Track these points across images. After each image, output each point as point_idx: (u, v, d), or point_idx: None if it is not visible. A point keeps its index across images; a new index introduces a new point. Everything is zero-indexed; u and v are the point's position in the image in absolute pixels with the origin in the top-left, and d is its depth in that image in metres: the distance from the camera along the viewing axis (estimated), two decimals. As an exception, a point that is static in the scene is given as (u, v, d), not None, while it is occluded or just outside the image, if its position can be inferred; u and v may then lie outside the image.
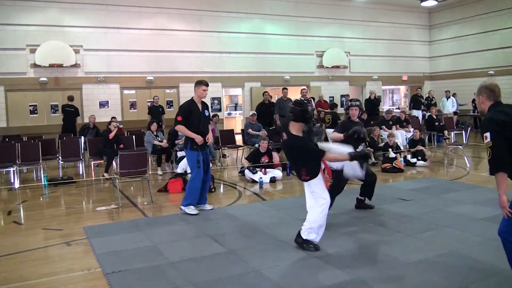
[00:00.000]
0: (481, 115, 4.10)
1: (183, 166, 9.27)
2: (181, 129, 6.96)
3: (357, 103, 6.99)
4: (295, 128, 5.10)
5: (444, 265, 4.68)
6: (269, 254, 5.11)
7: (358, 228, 6.04)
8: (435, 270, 4.55)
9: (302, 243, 5.21)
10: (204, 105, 7.19)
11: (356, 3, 20.61)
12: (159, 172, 10.99)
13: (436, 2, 20.76)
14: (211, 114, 14.64)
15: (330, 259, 4.88)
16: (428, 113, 16.06)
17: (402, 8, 22.32)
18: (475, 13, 21.30)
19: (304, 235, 5.20)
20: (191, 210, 6.97)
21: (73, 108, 14.57)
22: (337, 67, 20.68)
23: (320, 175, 5.17)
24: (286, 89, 14.38)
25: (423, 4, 20.97)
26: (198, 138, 6.89)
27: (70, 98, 14.62)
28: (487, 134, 3.68)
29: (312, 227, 5.16)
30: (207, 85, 7.13)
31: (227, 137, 13.26)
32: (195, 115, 6.97)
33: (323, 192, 5.18)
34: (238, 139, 13.99)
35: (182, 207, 7.04)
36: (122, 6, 16.31)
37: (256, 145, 11.15)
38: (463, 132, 15.04)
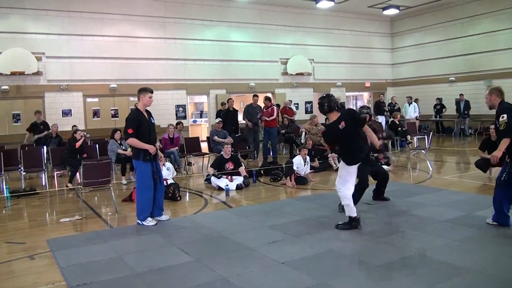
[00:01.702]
0: (490, 108, 6.12)
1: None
2: (134, 142, 6.74)
3: (368, 110, 7.27)
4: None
5: (410, 267, 4.79)
6: (236, 261, 5.11)
7: (324, 233, 6.10)
8: (400, 272, 4.65)
9: None
10: (149, 113, 7.01)
11: (319, 11, 20.89)
12: (124, 181, 10.86)
13: (397, 11, 21.30)
14: (176, 121, 14.73)
15: (297, 265, 4.92)
16: (391, 119, 16.37)
17: (365, 16, 22.76)
18: (436, 21, 21.92)
19: None
20: (149, 221, 6.86)
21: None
22: (301, 74, 20.91)
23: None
24: (257, 96, 14.44)
25: (385, 12, 21.49)
26: (152, 149, 6.76)
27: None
28: (505, 115, 5.66)
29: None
30: (152, 92, 6.97)
31: (192, 145, 13.20)
32: (144, 124, 6.80)
33: None
34: (204, 146, 13.95)
35: (140, 222, 6.87)
36: (85, 12, 16.09)
37: (222, 152, 11.12)
38: (426, 136, 15.39)
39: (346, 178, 6.15)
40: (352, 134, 6.02)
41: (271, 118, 13.41)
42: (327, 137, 6.37)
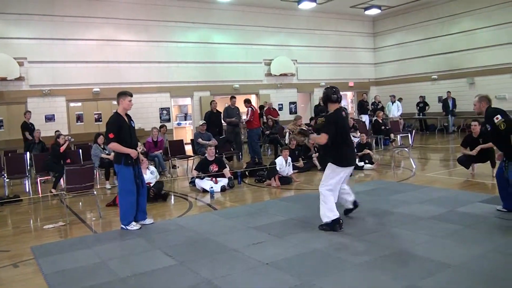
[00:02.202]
0: (478, 114, 6.83)
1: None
2: (116, 146, 6.72)
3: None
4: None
5: (393, 264, 4.85)
6: (220, 263, 5.13)
7: (308, 233, 6.14)
8: (384, 269, 4.71)
9: None
10: (129, 116, 7.01)
11: (301, 12, 20.97)
12: (108, 186, 10.81)
13: (379, 11, 21.48)
14: (160, 124, 14.71)
15: (280, 265, 4.95)
16: (375, 118, 16.51)
17: (347, 16, 22.91)
18: (417, 20, 22.16)
19: None
20: (133, 226, 6.84)
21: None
22: (285, 74, 20.98)
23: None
24: (235, 97, 14.47)
25: (367, 12, 21.67)
26: (134, 153, 6.76)
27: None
28: (499, 116, 6.18)
29: None
30: (131, 95, 6.98)
31: (176, 148, 13.21)
32: (125, 128, 6.80)
33: None
34: (188, 149, 13.95)
35: (124, 227, 6.85)
36: (67, 17, 15.98)
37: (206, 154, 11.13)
38: (409, 134, 15.56)
39: (329, 179, 6.20)
40: (348, 132, 6.40)
41: (247, 120, 13.58)
42: (328, 129, 6.15)
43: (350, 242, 5.69)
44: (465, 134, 11.90)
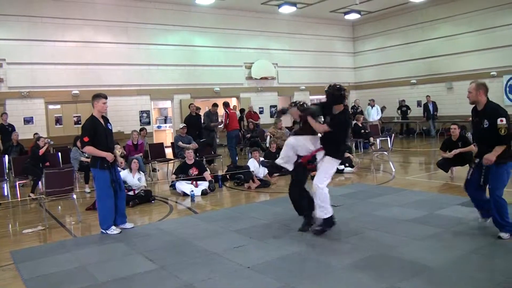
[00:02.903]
0: (472, 103, 5.75)
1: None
2: (91, 150, 6.65)
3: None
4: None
5: (373, 266, 4.91)
6: (201, 267, 5.14)
7: (288, 236, 6.18)
8: (364, 272, 4.76)
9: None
10: (105, 119, 6.94)
11: (281, 16, 21.08)
12: (87, 189, 10.67)
13: (359, 16, 21.69)
14: (140, 127, 14.63)
15: (262, 269, 4.98)
16: (354, 121, 16.63)
17: (326, 21, 23.10)
18: (397, 25, 22.46)
19: None
20: (113, 230, 6.79)
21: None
22: (266, 78, 21.06)
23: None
24: (217, 105, 14.51)
25: (347, 17, 21.88)
26: (109, 156, 6.67)
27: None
28: (503, 118, 5.41)
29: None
30: (106, 97, 6.89)
31: (156, 151, 13.15)
32: (100, 132, 6.71)
33: None
34: (169, 152, 13.90)
35: (103, 231, 6.80)
36: (46, 17, 15.80)
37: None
38: (388, 138, 15.72)
39: (329, 174, 6.17)
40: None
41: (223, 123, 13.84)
42: (340, 129, 6.08)
43: (331, 245, 5.73)
44: (444, 138, 12.08)
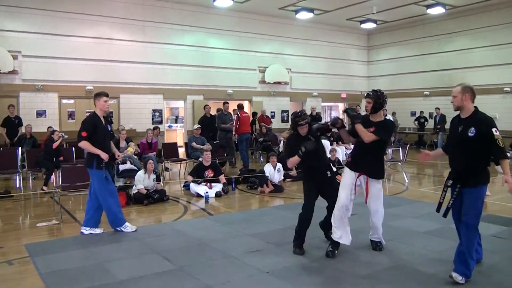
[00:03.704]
0: (456, 109, 4.91)
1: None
2: (86, 145, 6.46)
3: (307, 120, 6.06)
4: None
5: (393, 278, 4.85)
6: (219, 270, 5.10)
7: (306, 243, 6.12)
8: (384, 283, 4.71)
9: None
10: (107, 120, 6.80)
11: (298, 22, 21.03)
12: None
13: (375, 25, 21.63)
14: (153, 126, 14.63)
15: (280, 274, 4.94)
16: (367, 130, 16.54)
17: (342, 28, 23.04)
18: (412, 36, 22.38)
19: None
20: (129, 228, 6.75)
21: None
22: (279, 83, 21.00)
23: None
24: (227, 103, 14.40)
25: (363, 26, 21.81)
26: (104, 155, 6.48)
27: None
28: (495, 129, 4.58)
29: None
30: (107, 96, 6.75)
31: (170, 150, 13.13)
32: (100, 130, 6.57)
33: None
34: (181, 152, 13.88)
35: (118, 228, 6.74)
36: (63, 12, 15.75)
37: (200, 159, 11.08)
38: (400, 148, 15.62)
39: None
40: None
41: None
42: (387, 136, 5.66)
43: (350, 254, 5.66)
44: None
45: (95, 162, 6.49)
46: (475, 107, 4.81)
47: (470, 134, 4.64)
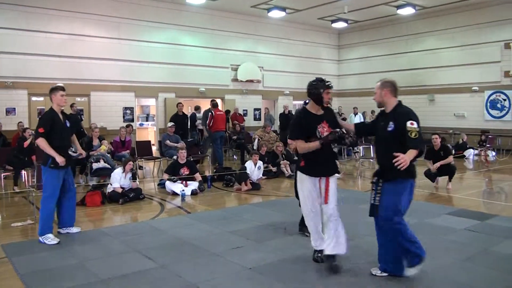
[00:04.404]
0: (378, 106, 4.88)
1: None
2: (42, 144, 6.08)
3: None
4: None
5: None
6: (203, 267, 5.11)
7: (285, 239, 6.19)
8: (366, 277, 4.80)
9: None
10: (65, 115, 6.49)
11: (270, 20, 21.09)
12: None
13: (346, 24, 21.89)
14: (125, 124, 14.50)
15: (264, 270, 4.99)
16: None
17: (314, 27, 23.23)
18: (382, 36, 22.77)
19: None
20: (50, 239, 6.07)
21: None
22: (251, 81, 21.03)
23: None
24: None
25: (334, 25, 22.05)
26: (60, 159, 6.09)
27: None
28: (414, 122, 4.50)
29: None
30: (64, 89, 6.43)
31: (143, 148, 13.03)
32: (58, 126, 6.23)
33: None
34: (153, 150, 13.79)
35: (40, 238, 6.11)
36: (36, 8, 15.33)
37: (174, 157, 11.04)
38: (371, 146, 15.88)
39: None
40: None
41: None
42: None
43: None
44: (424, 149, 12.13)
45: (51, 160, 6.15)
46: (399, 101, 4.78)
47: (389, 129, 4.64)
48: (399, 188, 4.65)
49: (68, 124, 6.43)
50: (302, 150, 5.07)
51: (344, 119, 19.16)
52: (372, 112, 20.94)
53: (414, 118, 4.56)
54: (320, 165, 5.10)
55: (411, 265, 4.67)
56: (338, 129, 4.98)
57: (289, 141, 5.73)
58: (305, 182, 5.13)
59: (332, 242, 5.04)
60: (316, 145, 4.93)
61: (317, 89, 5.16)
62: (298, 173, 5.27)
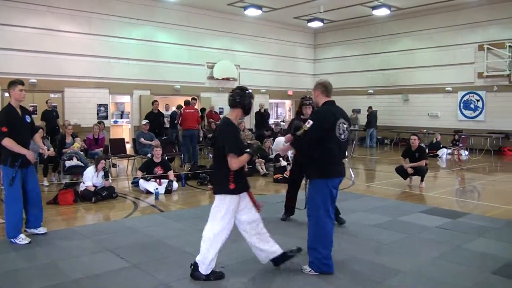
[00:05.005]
0: (315, 107, 5.12)
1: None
2: (10, 143, 5.77)
3: (310, 101, 6.71)
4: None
5: (347, 269, 5.02)
6: (175, 266, 5.10)
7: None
8: (336, 275, 4.84)
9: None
10: (24, 110, 6.18)
11: (246, 18, 21.13)
12: (45, 183, 10.31)
13: (321, 24, 22.04)
14: (97, 121, 14.33)
15: (236, 269, 5.01)
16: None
17: (290, 26, 23.36)
18: (357, 36, 23.06)
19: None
20: (22, 239, 5.91)
21: None
22: (227, 79, 21.00)
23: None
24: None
25: (310, 24, 22.20)
26: (30, 155, 5.94)
27: None
28: (310, 121, 4.68)
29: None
30: (23, 84, 6.13)
31: (117, 146, 12.90)
32: (16, 123, 5.91)
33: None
34: (127, 148, 13.69)
35: (13, 240, 5.91)
36: (7, 1, 15.10)
37: (149, 155, 10.96)
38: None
39: None
40: None
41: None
42: None
43: (304, 248, 5.76)
44: (397, 147, 12.34)
45: (10, 159, 5.86)
46: (329, 101, 4.92)
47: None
48: (315, 187, 4.87)
49: (28, 120, 6.14)
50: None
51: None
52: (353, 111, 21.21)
53: (316, 117, 4.77)
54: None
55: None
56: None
57: (287, 145, 6.05)
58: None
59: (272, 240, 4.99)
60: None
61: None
62: None
